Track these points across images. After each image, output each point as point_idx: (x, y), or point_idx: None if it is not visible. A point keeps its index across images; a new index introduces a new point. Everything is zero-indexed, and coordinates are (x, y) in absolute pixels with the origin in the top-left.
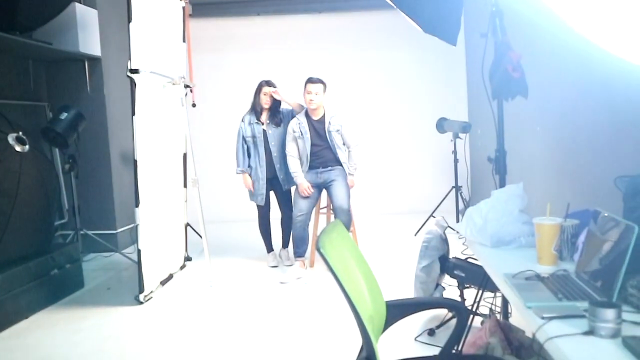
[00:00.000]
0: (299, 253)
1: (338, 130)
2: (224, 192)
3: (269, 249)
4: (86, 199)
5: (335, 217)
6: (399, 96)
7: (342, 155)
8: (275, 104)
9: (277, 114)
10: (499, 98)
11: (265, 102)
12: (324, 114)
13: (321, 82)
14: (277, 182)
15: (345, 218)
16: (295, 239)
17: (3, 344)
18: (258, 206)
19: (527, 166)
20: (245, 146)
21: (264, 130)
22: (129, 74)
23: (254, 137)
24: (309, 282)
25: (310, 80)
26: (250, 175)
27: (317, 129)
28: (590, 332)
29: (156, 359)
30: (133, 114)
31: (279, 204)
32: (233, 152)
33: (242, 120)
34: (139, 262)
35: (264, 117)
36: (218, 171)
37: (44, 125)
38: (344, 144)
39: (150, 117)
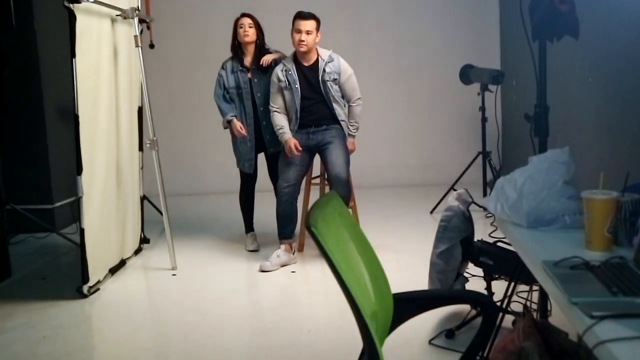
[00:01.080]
0: (285, 234)
1: (335, 80)
2: (191, 156)
3: (249, 228)
4: (13, 165)
5: (330, 189)
6: (410, 37)
7: (339, 111)
8: (260, 40)
9: (265, 54)
10: (541, 39)
11: (245, 33)
12: (318, 59)
13: (313, 17)
14: (263, 144)
15: (343, 190)
16: (280, 216)
17: None
18: (242, 174)
19: (575, 126)
20: (227, 96)
21: (249, 79)
22: (66, 3)
23: (238, 87)
24: (297, 269)
25: (300, 15)
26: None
27: (309, 77)
28: None
29: None
30: (73, 55)
31: (269, 171)
32: (202, 105)
33: (223, 68)
34: (82, 245)
35: (249, 60)
36: (183, 130)
37: None
38: (342, 97)
39: (95, 60)
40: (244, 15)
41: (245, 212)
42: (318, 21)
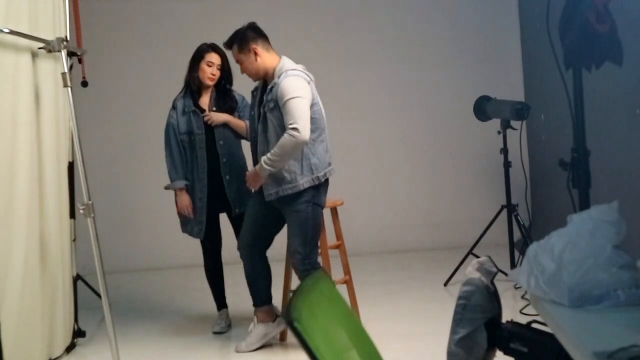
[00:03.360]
0: (256, 300)
1: (273, 109)
2: (136, 223)
3: (220, 304)
4: None
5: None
6: (412, 66)
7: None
8: (226, 79)
9: (228, 97)
10: (576, 67)
11: (210, 76)
12: (273, 77)
13: (228, 45)
14: (225, 203)
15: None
16: (246, 280)
17: None
18: (203, 243)
19: (624, 175)
20: (180, 147)
21: (205, 122)
22: None
23: (190, 133)
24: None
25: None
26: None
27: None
28: None
29: None
30: None
31: (237, 236)
32: (151, 158)
33: (174, 107)
34: None
35: (206, 100)
36: (126, 191)
37: None
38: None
39: (11, 106)
40: (215, 49)
41: (213, 287)
42: (235, 47)
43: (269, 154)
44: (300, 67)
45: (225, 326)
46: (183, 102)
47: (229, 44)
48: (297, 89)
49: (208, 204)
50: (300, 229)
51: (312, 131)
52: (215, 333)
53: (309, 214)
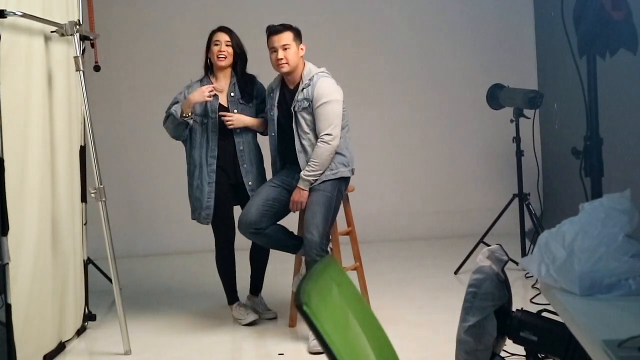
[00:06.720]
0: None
1: (306, 109)
2: (148, 207)
3: (232, 298)
4: None
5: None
6: (424, 53)
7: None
8: (242, 64)
9: (248, 83)
10: (590, 54)
11: (218, 54)
12: (301, 80)
13: (288, 28)
14: (244, 192)
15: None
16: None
17: None
18: (215, 231)
19: (638, 162)
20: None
21: (220, 106)
22: None
23: (204, 116)
24: (287, 351)
25: (270, 31)
26: (194, 183)
27: (289, 104)
28: None
29: None
30: None
31: None
32: (163, 143)
33: (189, 87)
34: (8, 325)
35: (224, 85)
36: (138, 175)
37: None
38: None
39: (24, 89)
40: (220, 29)
41: (225, 279)
42: (295, 31)
43: (307, 168)
44: (323, 69)
45: (254, 315)
46: (200, 85)
47: (287, 26)
48: (334, 91)
49: (224, 193)
50: (323, 207)
51: (342, 127)
52: (248, 324)
53: (334, 197)
